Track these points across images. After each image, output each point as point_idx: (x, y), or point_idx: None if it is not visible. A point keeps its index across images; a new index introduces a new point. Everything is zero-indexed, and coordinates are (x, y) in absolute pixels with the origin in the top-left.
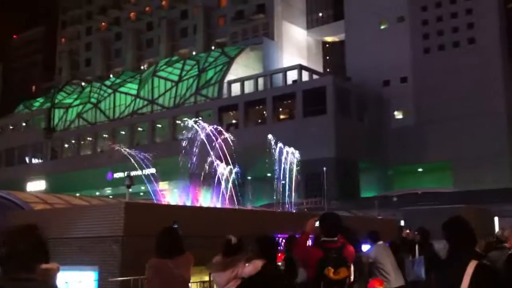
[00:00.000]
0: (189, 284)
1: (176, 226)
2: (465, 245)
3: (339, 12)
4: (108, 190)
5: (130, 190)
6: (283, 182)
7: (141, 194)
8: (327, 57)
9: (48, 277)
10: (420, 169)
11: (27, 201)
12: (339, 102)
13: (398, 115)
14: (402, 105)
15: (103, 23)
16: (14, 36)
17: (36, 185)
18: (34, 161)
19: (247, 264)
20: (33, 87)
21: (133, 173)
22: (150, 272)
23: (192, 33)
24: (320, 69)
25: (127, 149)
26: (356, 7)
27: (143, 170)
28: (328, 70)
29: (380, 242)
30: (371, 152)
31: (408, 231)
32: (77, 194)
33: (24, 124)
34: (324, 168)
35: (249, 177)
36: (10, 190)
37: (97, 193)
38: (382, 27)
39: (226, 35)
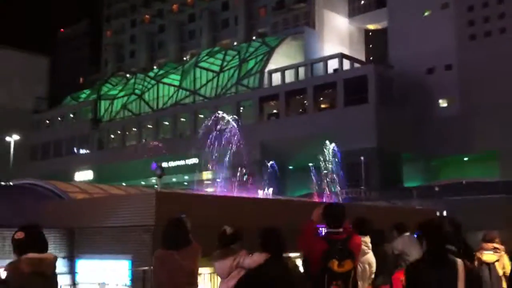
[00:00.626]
0: (197, 276)
1: (183, 216)
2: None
3: None
4: (153, 180)
5: (174, 179)
6: (325, 172)
7: (185, 184)
8: (370, 46)
9: (43, 266)
10: (465, 159)
11: (67, 191)
12: (380, 91)
13: (443, 103)
14: (447, 93)
15: (146, 16)
16: (61, 30)
17: (84, 175)
18: (82, 151)
19: (250, 255)
20: (81, 80)
21: (176, 163)
22: (156, 263)
23: (233, 24)
24: (362, 57)
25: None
26: None
27: (186, 160)
28: (371, 58)
29: (407, 233)
30: (414, 142)
31: None
32: (123, 184)
33: (71, 115)
34: (362, 158)
35: (290, 167)
36: (58, 180)
37: (143, 183)
38: (426, 14)
39: (267, 25)
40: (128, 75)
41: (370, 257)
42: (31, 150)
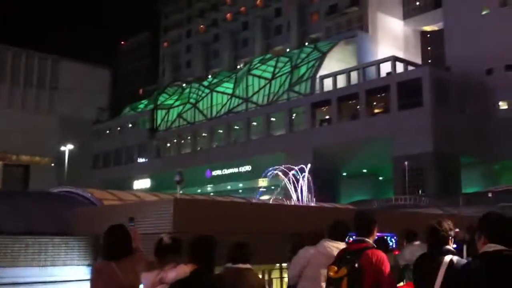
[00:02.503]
0: None
1: (132, 224)
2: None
3: None
4: (208, 188)
5: (229, 187)
6: (381, 178)
7: (240, 191)
8: (428, 48)
9: None
10: None
11: (102, 198)
12: (437, 93)
13: (503, 105)
14: (507, 94)
15: (201, 26)
16: (122, 43)
17: (142, 183)
18: (140, 160)
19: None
20: (140, 90)
21: (230, 171)
22: (93, 275)
23: (286, 30)
24: (418, 60)
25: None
26: None
27: (239, 168)
28: (429, 61)
29: (417, 242)
30: (474, 146)
31: (457, 229)
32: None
33: (130, 125)
34: (406, 163)
35: (344, 173)
36: (117, 188)
37: (199, 190)
38: (484, 12)
39: (320, 30)
40: (184, 85)
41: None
42: (93, 158)
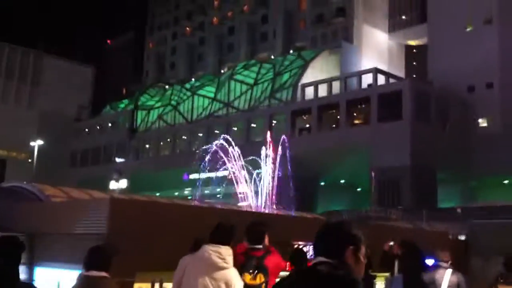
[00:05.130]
0: None
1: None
2: None
3: (424, 14)
4: (186, 191)
5: (207, 191)
6: (359, 189)
7: (218, 196)
8: (413, 62)
9: None
10: (505, 181)
11: (51, 195)
12: (417, 107)
13: (483, 122)
14: (487, 112)
15: (188, 28)
16: (108, 41)
17: (119, 184)
18: (118, 160)
19: None
20: (124, 90)
21: (208, 175)
22: None
23: (272, 37)
24: (402, 74)
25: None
26: (440, 9)
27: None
28: (414, 75)
29: None
30: (452, 161)
31: (391, 243)
32: (157, 194)
33: (110, 124)
34: (372, 176)
35: (322, 183)
36: (94, 188)
37: (176, 193)
38: (468, 29)
39: (305, 39)
40: (166, 86)
41: (228, 273)
42: (71, 156)
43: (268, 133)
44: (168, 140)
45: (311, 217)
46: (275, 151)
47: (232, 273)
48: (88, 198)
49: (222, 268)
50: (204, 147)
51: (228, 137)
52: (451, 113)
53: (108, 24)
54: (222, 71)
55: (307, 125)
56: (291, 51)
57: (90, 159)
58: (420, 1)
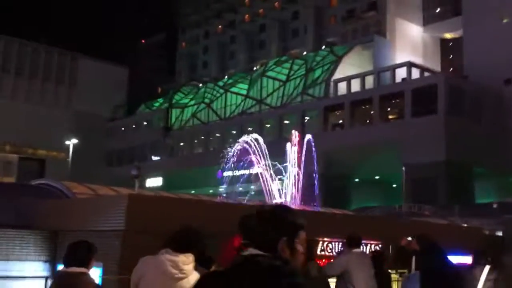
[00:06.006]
0: None
1: None
2: None
3: (458, 6)
4: (221, 188)
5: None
6: (394, 185)
7: (252, 193)
8: (450, 56)
9: None
10: None
11: (76, 192)
12: (452, 101)
13: None
14: None
15: (219, 27)
16: (142, 41)
17: (154, 182)
18: (154, 158)
19: None
20: (159, 89)
21: (241, 172)
22: None
23: (303, 33)
24: (437, 68)
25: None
26: (475, 0)
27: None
28: (450, 69)
29: (357, 250)
30: (489, 156)
31: (409, 238)
32: (192, 192)
33: (145, 123)
34: (402, 172)
35: (356, 179)
36: (128, 187)
37: (211, 191)
38: (504, 21)
39: (336, 34)
40: (200, 85)
41: (186, 283)
42: (107, 156)
43: (293, 132)
44: (202, 137)
45: (339, 213)
46: (300, 149)
47: (191, 282)
48: (111, 195)
49: (179, 279)
50: (236, 145)
51: (257, 136)
52: (487, 107)
53: (139, 25)
54: (254, 68)
55: (340, 121)
56: (323, 47)
57: (126, 158)
58: None
